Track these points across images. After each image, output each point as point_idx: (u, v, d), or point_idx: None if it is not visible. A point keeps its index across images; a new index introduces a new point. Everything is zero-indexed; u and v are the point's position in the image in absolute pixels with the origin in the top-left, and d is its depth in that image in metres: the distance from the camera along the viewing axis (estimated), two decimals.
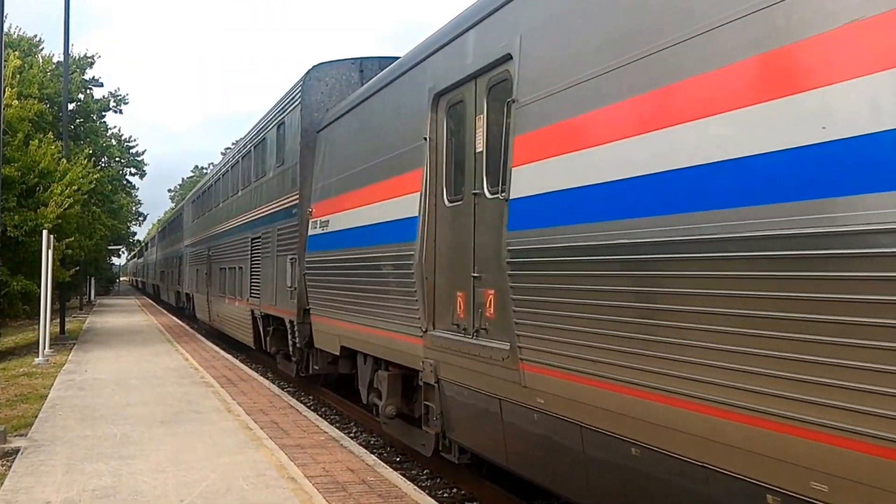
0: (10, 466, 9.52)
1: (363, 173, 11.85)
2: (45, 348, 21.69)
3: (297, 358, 16.06)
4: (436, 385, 9.17)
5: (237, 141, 27.81)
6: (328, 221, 13.49)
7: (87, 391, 15.52)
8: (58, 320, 29.18)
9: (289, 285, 15.63)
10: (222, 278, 25.70)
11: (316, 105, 15.51)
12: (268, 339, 18.84)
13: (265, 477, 8.91)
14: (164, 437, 11.11)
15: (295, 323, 15.42)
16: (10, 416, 12.79)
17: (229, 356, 22.72)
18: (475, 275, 8.12)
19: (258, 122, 21.63)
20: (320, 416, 13.96)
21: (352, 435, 13.10)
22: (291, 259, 15.59)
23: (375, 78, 12.59)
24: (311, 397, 17.59)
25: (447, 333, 8.78)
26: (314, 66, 15.81)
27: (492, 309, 7.76)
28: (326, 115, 15.00)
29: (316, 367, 15.23)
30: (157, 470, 9.23)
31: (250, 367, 20.85)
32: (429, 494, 9.00)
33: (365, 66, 15.54)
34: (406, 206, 9.79)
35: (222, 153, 74.98)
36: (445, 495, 10.05)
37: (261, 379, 18.03)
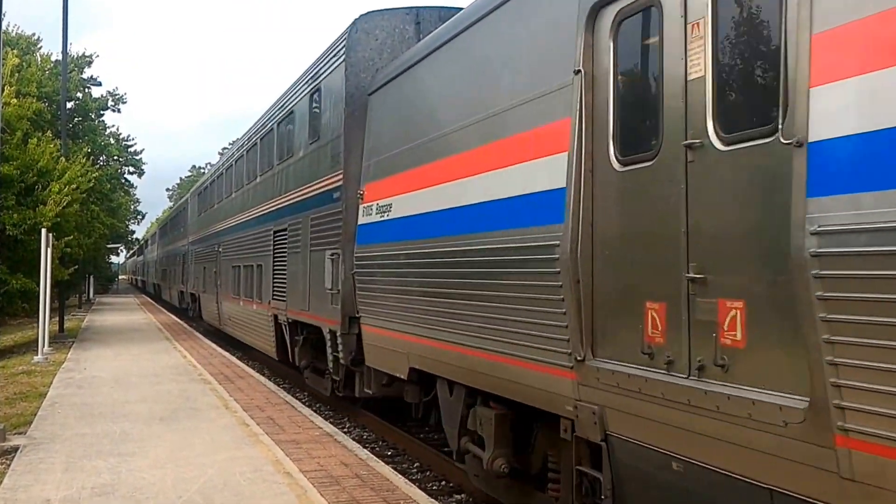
0: (9, 464, 9.14)
1: (450, 138, 8.52)
2: (44, 346, 20.60)
3: (339, 377, 12.47)
4: (603, 444, 5.92)
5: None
6: (390, 205, 10.22)
7: (86, 389, 14.79)
8: (57, 318, 27.99)
9: (328, 287, 12.19)
10: (235, 277, 21.67)
11: (364, 63, 12.12)
12: (296, 350, 15.04)
13: (262, 472, 8.60)
14: (162, 433, 10.66)
15: (338, 334, 11.89)
16: (9, 415, 12.21)
17: (227, 353, 21.53)
18: (692, 275, 4.94)
19: (282, 95, 17.37)
20: (315, 411, 13.28)
21: (345, 430, 12.50)
22: (332, 255, 12.16)
23: (467, 9, 8.88)
24: (305, 393, 16.44)
25: (629, 367, 5.55)
26: (361, 16, 12.40)
27: (741, 332, 4.64)
28: (378, 75, 11.61)
29: (368, 391, 11.66)
30: (155, 466, 8.87)
31: (247, 364, 19.76)
32: (418, 487, 8.73)
33: (422, 18, 12.32)
34: (539, 174, 6.64)
35: (220, 153, 74.88)
36: (434, 488, 9.80)
37: (257, 376, 17.03)
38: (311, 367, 14.87)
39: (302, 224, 14.44)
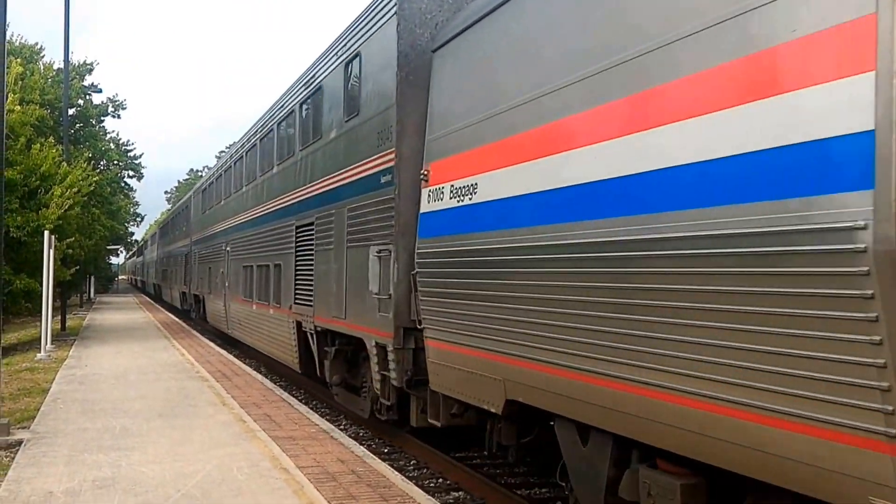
0: (13, 458, 9.09)
1: (588, 85, 5.93)
2: (46, 344, 20.53)
3: (390, 401, 10.17)
4: None
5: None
6: (473, 186, 7.75)
7: (88, 385, 14.63)
8: (59, 317, 28.03)
9: (375, 291, 9.91)
10: (247, 279, 19.26)
11: (420, 16, 9.71)
12: (326, 363, 12.53)
13: (259, 468, 8.45)
14: (161, 429, 10.51)
15: (389, 349, 9.60)
16: (13, 410, 12.19)
17: (224, 352, 21.32)
18: None
19: (306, 71, 14.67)
20: (311, 408, 13.04)
21: (342, 427, 12.20)
22: (381, 252, 9.85)
23: None
24: (302, 391, 16.09)
25: None
26: None
27: None
28: (448, 24, 9.18)
29: (434, 422, 9.23)
30: (155, 461, 8.75)
31: (244, 362, 19.48)
32: (416, 484, 8.46)
33: None
34: (807, 112, 4.10)
35: (217, 156, 74.61)
36: (432, 485, 9.41)
37: (254, 374, 16.71)
38: (345, 384, 12.44)
39: (335, 216, 12.09)
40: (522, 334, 6.74)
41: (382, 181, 10.04)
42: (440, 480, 9.80)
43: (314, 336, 13.15)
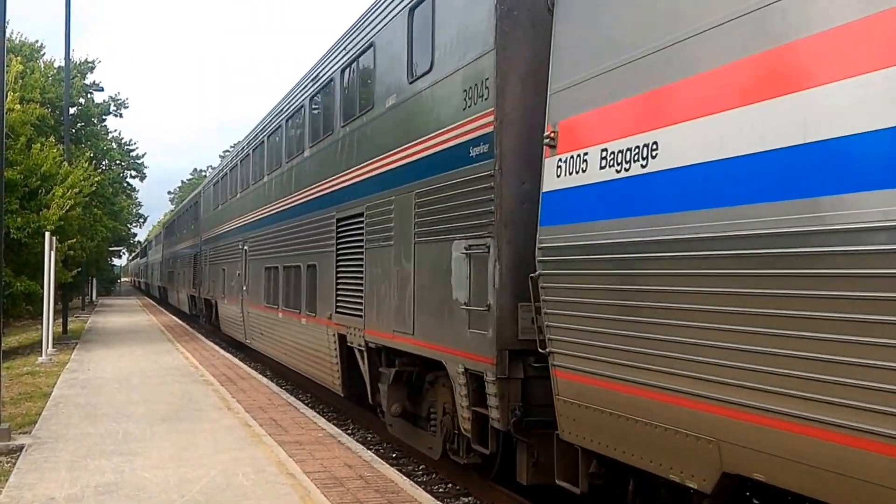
0: (14, 463, 9.09)
1: None
2: (48, 347, 20.58)
3: (490, 449, 7.91)
4: None
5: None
6: (649, 147, 5.39)
7: (90, 389, 14.64)
8: (60, 320, 28.12)
9: (464, 301, 7.85)
10: (270, 282, 17.14)
11: None
12: (382, 387, 10.31)
13: (265, 473, 8.43)
14: (165, 434, 10.51)
15: (488, 378, 7.41)
16: (14, 414, 12.15)
17: (229, 355, 21.31)
18: None
19: (350, 28, 12.31)
20: (318, 413, 12.98)
21: (349, 431, 12.10)
22: (473, 248, 7.72)
23: None
24: (308, 395, 16.08)
25: None
26: None
27: None
28: None
29: (571, 486, 6.65)
30: (158, 466, 8.74)
31: (249, 366, 19.43)
32: (424, 490, 8.36)
33: None
34: None
35: (220, 156, 74.68)
36: (441, 490, 9.33)
37: (259, 377, 16.70)
38: (405, 413, 10.17)
39: (396, 204, 9.86)
40: (767, 374, 4.44)
41: (473, 154, 7.86)
42: (449, 486, 9.74)
43: (364, 353, 10.99)
